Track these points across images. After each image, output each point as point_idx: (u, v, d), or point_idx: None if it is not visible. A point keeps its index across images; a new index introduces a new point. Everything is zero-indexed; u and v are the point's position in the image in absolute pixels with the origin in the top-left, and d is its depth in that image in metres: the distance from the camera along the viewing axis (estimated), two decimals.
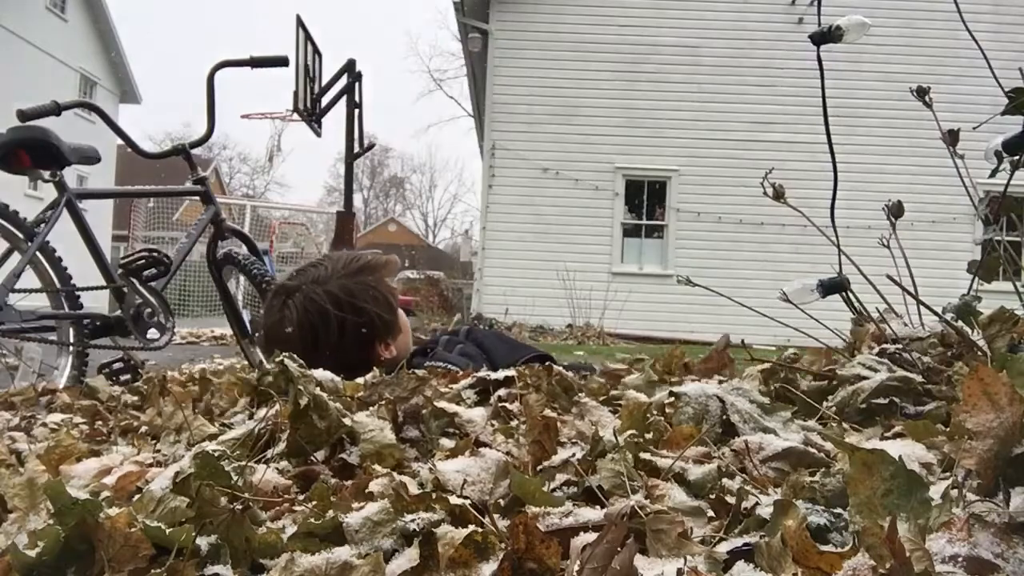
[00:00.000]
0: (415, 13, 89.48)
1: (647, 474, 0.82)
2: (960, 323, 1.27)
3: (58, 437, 1.15)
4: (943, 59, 11.13)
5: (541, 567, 0.59)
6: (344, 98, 8.01)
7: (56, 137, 2.84)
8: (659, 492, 0.76)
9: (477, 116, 17.94)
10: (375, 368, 1.55)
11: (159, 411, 1.34)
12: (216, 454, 0.77)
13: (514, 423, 1.12)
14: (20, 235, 2.75)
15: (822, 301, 1.58)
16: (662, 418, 1.05)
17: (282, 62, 3.49)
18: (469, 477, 0.79)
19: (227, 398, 1.42)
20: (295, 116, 9.32)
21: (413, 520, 0.68)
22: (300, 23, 7.98)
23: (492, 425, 1.11)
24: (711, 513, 0.74)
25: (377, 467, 0.91)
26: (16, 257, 2.77)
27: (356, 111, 8.00)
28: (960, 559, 0.54)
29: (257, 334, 3.58)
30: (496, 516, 0.70)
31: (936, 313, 1.36)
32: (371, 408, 1.09)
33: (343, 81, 8.02)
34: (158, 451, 1.15)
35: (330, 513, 0.72)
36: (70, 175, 3.05)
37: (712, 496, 0.78)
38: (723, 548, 0.64)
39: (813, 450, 0.90)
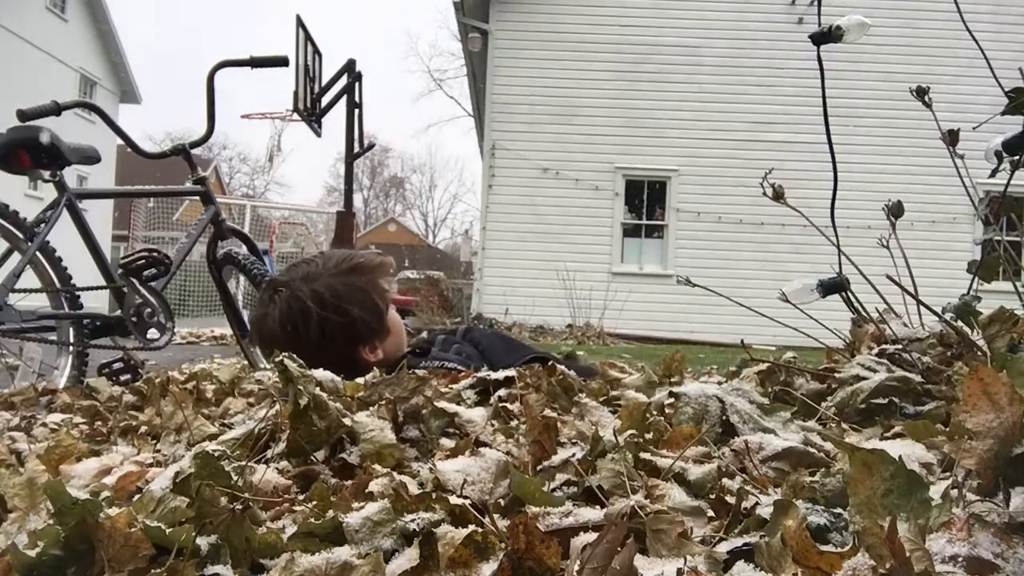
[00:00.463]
0: (415, 13, 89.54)
1: (647, 474, 0.82)
2: (960, 323, 1.27)
3: (58, 437, 1.15)
4: (943, 59, 11.12)
5: (541, 567, 0.59)
6: (344, 98, 8.01)
7: (56, 137, 2.83)
8: (659, 492, 0.76)
9: (477, 116, 17.94)
10: (362, 370, 1.56)
11: (159, 411, 1.34)
12: (216, 454, 0.77)
13: (514, 423, 1.12)
14: (20, 235, 2.75)
15: (822, 301, 1.58)
16: (662, 418, 1.05)
17: (282, 62, 3.49)
18: (469, 477, 0.79)
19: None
20: (295, 116, 9.32)
21: (413, 520, 0.68)
22: (300, 23, 7.98)
23: (492, 425, 1.11)
24: (711, 513, 0.74)
25: (377, 467, 0.91)
26: (16, 257, 2.77)
27: (356, 111, 8.00)
28: (960, 559, 0.54)
29: None
30: (496, 516, 0.70)
31: (936, 313, 1.36)
32: (371, 408, 1.09)
33: (343, 81, 8.02)
34: (158, 451, 1.15)
35: (330, 513, 0.72)
36: (70, 175, 3.04)
37: (712, 496, 0.78)
38: (723, 548, 0.64)
39: (813, 450, 0.90)
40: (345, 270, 1.79)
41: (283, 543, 0.69)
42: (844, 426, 1.05)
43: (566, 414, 1.15)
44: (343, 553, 0.64)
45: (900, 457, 0.61)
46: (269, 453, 1.00)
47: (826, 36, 1.60)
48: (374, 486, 0.78)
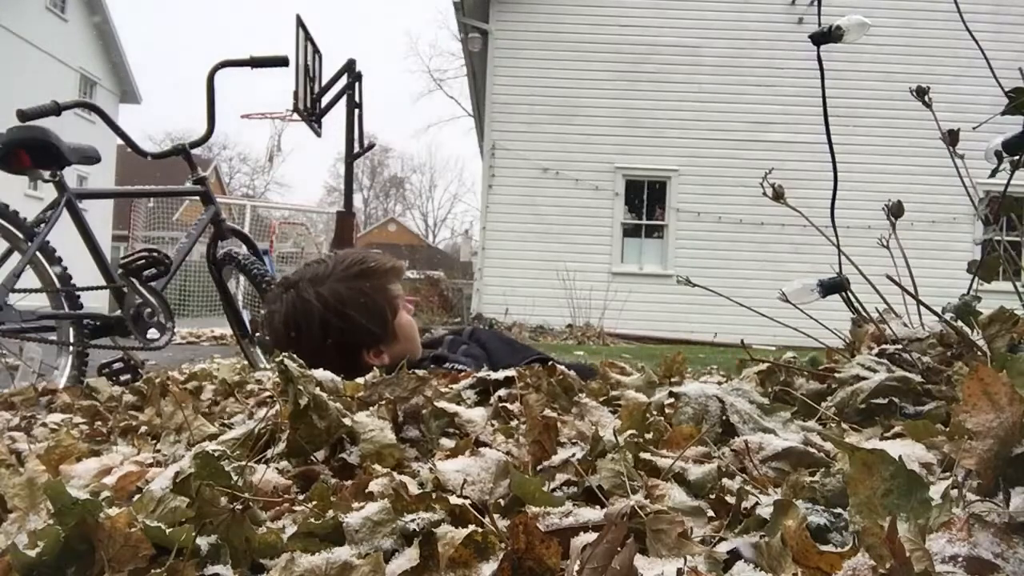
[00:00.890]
0: (415, 13, 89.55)
1: (647, 474, 0.82)
2: (960, 323, 1.27)
3: (58, 437, 1.15)
4: (943, 59, 11.12)
5: (541, 567, 0.59)
6: (344, 98, 8.01)
7: (56, 137, 2.83)
8: (659, 492, 0.76)
9: (477, 116, 17.94)
10: (365, 374, 1.56)
11: (159, 411, 1.34)
12: (216, 454, 0.77)
13: (514, 423, 1.12)
14: (20, 235, 2.75)
15: (822, 301, 1.58)
16: (662, 418, 1.05)
17: (282, 62, 3.49)
18: (469, 477, 0.79)
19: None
20: (295, 116, 9.32)
21: (413, 520, 0.68)
22: (300, 23, 7.98)
23: (492, 425, 1.11)
24: (711, 513, 0.74)
25: (377, 467, 0.91)
26: (16, 257, 2.77)
27: (356, 111, 8.01)
28: (960, 559, 0.54)
29: (258, 334, 3.58)
30: (496, 516, 0.70)
31: (936, 313, 1.36)
32: (371, 408, 1.09)
33: (343, 81, 8.02)
34: (158, 451, 1.15)
35: (330, 513, 0.72)
36: (70, 175, 3.04)
37: (712, 496, 0.78)
38: (723, 548, 0.64)
39: (813, 450, 0.90)
40: (353, 274, 1.79)
41: (283, 543, 0.69)
42: (844, 426, 1.05)
43: (566, 414, 1.15)
44: (343, 553, 0.64)
45: (900, 457, 0.61)
46: (269, 453, 1.00)
47: (826, 36, 1.60)
48: (374, 486, 0.78)
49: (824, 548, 0.58)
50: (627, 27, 12.84)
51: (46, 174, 2.86)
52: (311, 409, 0.98)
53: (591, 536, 0.62)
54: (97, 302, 4.66)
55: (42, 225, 2.81)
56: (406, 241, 45.57)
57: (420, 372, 1.37)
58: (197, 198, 3.49)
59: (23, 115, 2.86)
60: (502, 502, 0.77)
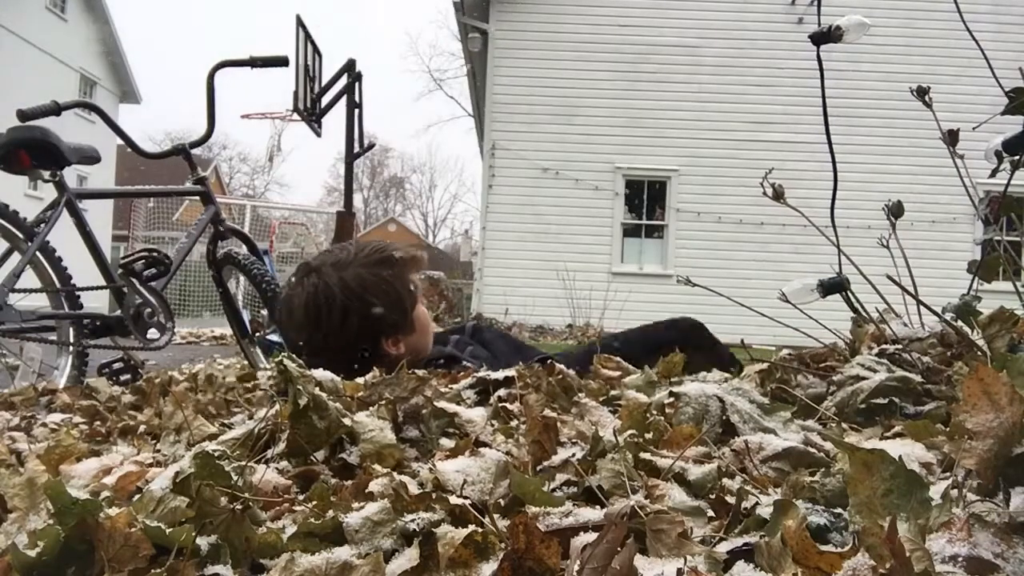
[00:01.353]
0: (415, 13, 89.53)
1: (647, 474, 0.82)
2: (960, 323, 1.27)
3: (58, 437, 1.15)
4: (943, 59, 11.12)
5: (541, 567, 0.59)
6: (344, 98, 8.00)
7: (56, 137, 2.83)
8: (659, 492, 0.76)
9: (477, 116, 17.94)
10: (382, 362, 1.58)
11: (159, 411, 1.34)
12: (216, 454, 0.77)
13: (514, 423, 1.12)
14: (20, 235, 2.75)
15: (822, 301, 1.58)
16: (662, 418, 1.05)
17: (282, 62, 3.49)
18: (469, 477, 0.79)
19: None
20: (295, 116, 9.32)
21: (413, 520, 0.68)
22: (300, 23, 7.98)
23: (492, 425, 1.11)
24: (711, 513, 0.74)
25: (377, 467, 0.91)
26: (16, 257, 2.77)
27: (356, 111, 8.00)
28: (960, 559, 0.54)
29: (258, 334, 3.59)
30: (496, 516, 0.70)
31: (936, 313, 1.36)
32: (371, 408, 1.09)
33: (343, 81, 8.01)
34: (158, 451, 1.15)
35: (330, 513, 0.72)
36: (70, 175, 3.05)
37: (712, 496, 0.78)
38: (723, 548, 0.64)
39: (813, 450, 0.90)
40: (375, 261, 1.80)
41: (283, 543, 0.69)
42: (844, 426, 1.05)
43: (566, 414, 1.15)
44: (343, 553, 0.64)
45: (900, 457, 0.61)
46: (269, 453, 0.99)
47: (826, 36, 1.60)
48: (374, 486, 0.78)
49: (824, 548, 0.58)
50: (627, 27, 12.84)
51: (46, 174, 2.86)
52: (311, 409, 0.98)
53: (591, 536, 0.62)
54: (97, 302, 4.66)
55: (42, 225, 2.81)
56: (406, 241, 45.53)
57: (420, 372, 1.37)
58: (197, 198, 3.50)
59: (23, 115, 2.86)
60: (502, 502, 0.77)
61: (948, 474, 0.73)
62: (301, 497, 0.84)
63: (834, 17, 1.62)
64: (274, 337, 3.47)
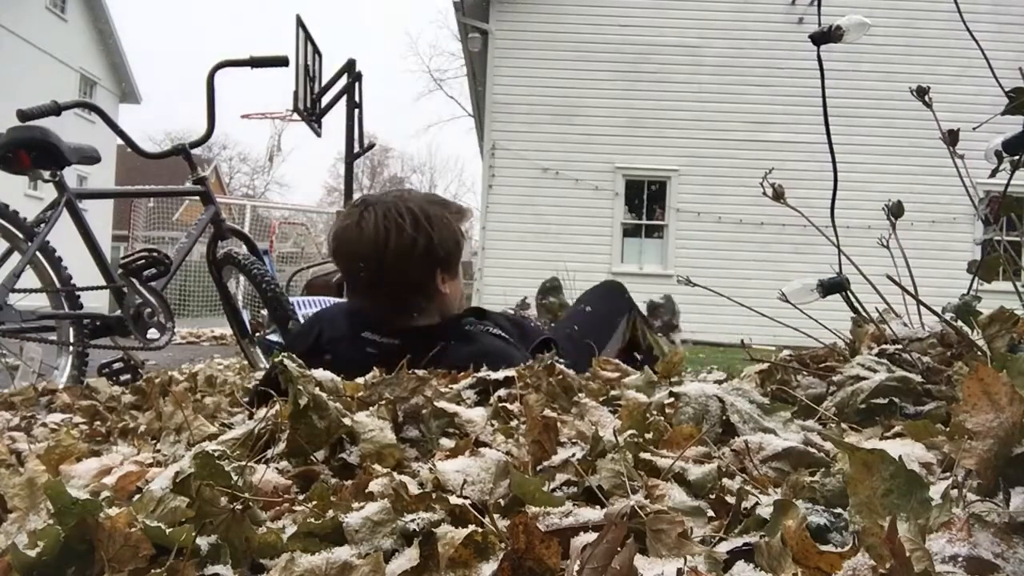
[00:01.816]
0: (415, 13, 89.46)
1: (647, 474, 0.82)
2: (960, 323, 1.27)
3: (58, 437, 1.15)
4: (943, 59, 11.12)
5: (541, 567, 0.59)
6: (344, 98, 8.00)
7: (56, 137, 2.83)
8: (659, 492, 0.76)
9: (477, 116, 17.93)
10: (431, 296, 1.79)
11: (159, 411, 1.34)
12: (216, 454, 0.77)
13: (514, 423, 1.12)
14: (20, 235, 2.75)
15: (822, 301, 1.58)
16: (662, 418, 1.05)
17: (282, 62, 3.49)
18: (469, 477, 0.79)
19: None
20: (295, 116, 9.32)
21: (413, 520, 0.68)
22: (300, 23, 7.98)
23: (492, 425, 1.11)
24: (711, 513, 0.74)
25: (377, 467, 0.91)
26: (16, 257, 2.77)
27: (356, 111, 8.00)
28: (960, 559, 0.54)
29: (258, 334, 3.58)
30: (496, 516, 0.70)
31: (936, 313, 1.36)
32: (371, 408, 1.09)
33: (343, 81, 8.01)
34: (158, 451, 1.15)
35: (330, 513, 0.72)
36: (70, 175, 3.04)
37: (712, 496, 0.78)
38: (723, 548, 0.64)
39: (813, 450, 0.90)
40: (434, 201, 1.90)
41: (283, 543, 0.69)
42: (844, 426, 1.05)
43: (566, 414, 1.15)
44: (343, 553, 0.64)
45: (900, 457, 0.61)
46: (269, 453, 0.99)
47: (826, 36, 1.60)
48: (374, 486, 0.78)
49: (824, 548, 0.58)
50: (627, 27, 12.84)
51: (46, 174, 2.86)
52: (311, 409, 0.98)
53: (591, 536, 0.62)
54: (97, 302, 4.66)
55: (42, 225, 2.81)
56: None
57: (421, 372, 1.37)
58: (197, 198, 3.50)
59: (23, 115, 2.86)
60: (502, 502, 0.77)
61: (948, 474, 0.73)
62: (301, 497, 0.84)
63: (834, 17, 1.62)
64: (274, 337, 3.48)
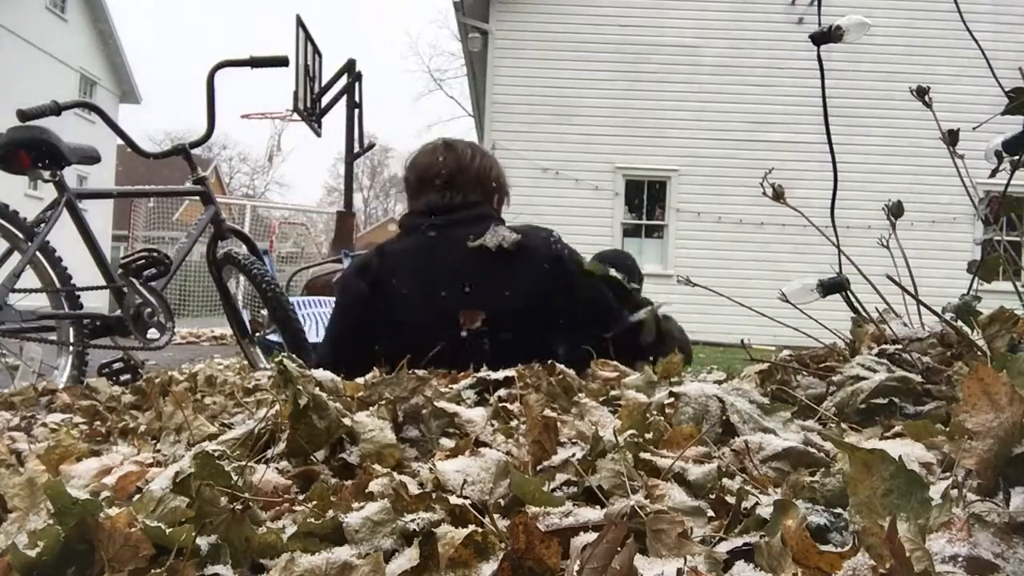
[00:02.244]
0: (415, 13, 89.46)
1: (647, 474, 0.82)
2: (960, 323, 1.27)
3: (58, 437, 1.15)
4: (943, 59, 11.12)
5: (541, 567, 0.59)
6: (344, 98, 8.01)
7: (56, 137, 2.83)
8: (659, 492, 0.76)
9: (477, 116, 17.93)
10: (492, 221, 2.06)
11: (159, 411, 1.34)
12: (216, 454, 0.77)
13: (514, 423, 1.12)
14: (20, 235, 2.75)
15: (822, 301, 1.58)
16: (662, 418, 1.05)
17: (282, 62, 3.48)
18: (469, 477, 0.79)
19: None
20: (295, 116, 9.32)
21: (413, 520, 0.68)
22: (300, 23, 7.98)
23: (492, 425, 1.11)
24: (711, 513, 0.74)
25: (377, 467, 0.91)
26: (16, 257, 2.77)
27: (356, 111, 8.01)
28: (960, 559, 0.54)
29: (258, 334, 3.58)
30: (496, 516, 0.70)
31: (936, 313, 1.36)
32: (371, 408, 1.09)
33: (343, 81, 8.02)
34: (158, 451, 1.15)
35: (330, 513, 0.72)
36: (70, 175, 3.04)
37: (712, 496, 0.78)
38: (723, 548, 0.64)
39: (813, 450, 0.90)
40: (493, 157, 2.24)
41: (283, 543, 0.69)
42: (844, 426, 1.05)
43: (566, 414, 1.15)
44: (343, 553, 0.64)
45: (900, 457, 0.61)
46: (269, 453, 0.99)
47: (826, 36, 1.60)
48: (374, 486, 0.78)
49: (824, 548, 0.58)
50: (627, 27, 12.83)
51: (46, 174, 2.85)
52: (311, 409, 0.98)
53: (591, 536, 0.62)
54: (97, 302, 4.66)
55: (42, 225, 2.81)
56: None
57: (420, 372, 1.37)
58: (197, 198, 3.49)
59: (23, 115, 2.86)
60: (502, 502, 0.77)
61: (948, 474, 0.73)
62: (301, 497, 0.84)
63: (834, 17, 1.62)
64: (274, 337, 3.47)
